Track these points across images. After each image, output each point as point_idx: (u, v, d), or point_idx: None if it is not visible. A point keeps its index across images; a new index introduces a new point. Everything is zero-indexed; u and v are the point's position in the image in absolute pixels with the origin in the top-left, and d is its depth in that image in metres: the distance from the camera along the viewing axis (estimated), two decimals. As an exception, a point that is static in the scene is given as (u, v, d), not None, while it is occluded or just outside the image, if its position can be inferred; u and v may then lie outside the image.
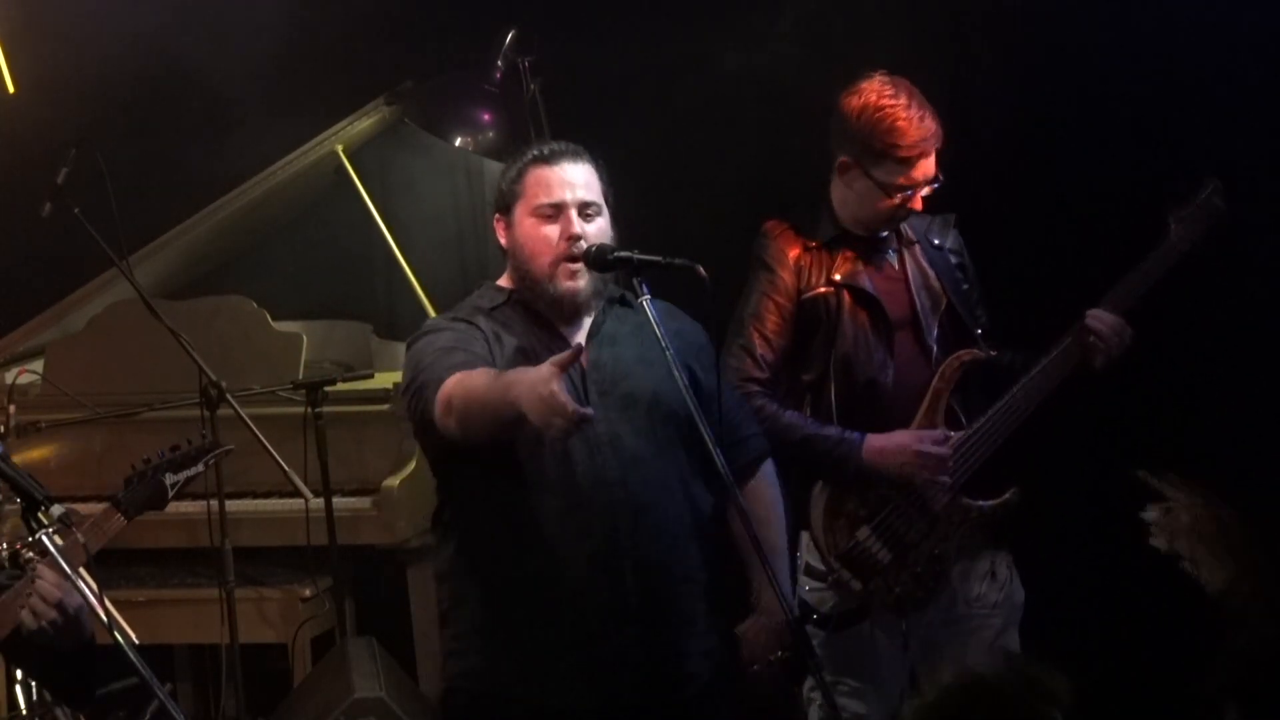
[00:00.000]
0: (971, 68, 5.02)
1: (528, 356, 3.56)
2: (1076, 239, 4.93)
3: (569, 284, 3.58)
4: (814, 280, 4.07)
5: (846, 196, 4.08)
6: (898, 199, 4.01)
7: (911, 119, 3.96)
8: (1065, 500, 4.74)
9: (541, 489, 3.52)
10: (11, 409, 5.13)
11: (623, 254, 3.53)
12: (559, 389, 3.18)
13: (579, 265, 3.57)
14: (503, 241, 3.68)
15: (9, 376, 5.47)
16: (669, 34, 5.36)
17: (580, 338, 3.64)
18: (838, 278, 4.06)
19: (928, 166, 4.01)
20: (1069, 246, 4.95)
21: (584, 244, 3.56)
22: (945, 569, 4.05)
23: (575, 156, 3.65)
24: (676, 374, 3.41)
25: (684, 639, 3.60)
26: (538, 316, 3.64)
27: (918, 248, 4.16)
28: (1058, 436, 4.15)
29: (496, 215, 3.68)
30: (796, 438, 4.00)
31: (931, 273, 4.14)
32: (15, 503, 3.32)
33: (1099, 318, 4.01)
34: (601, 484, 3.51)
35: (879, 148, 3.98)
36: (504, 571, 3.56)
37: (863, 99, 4.01)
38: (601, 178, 3.67)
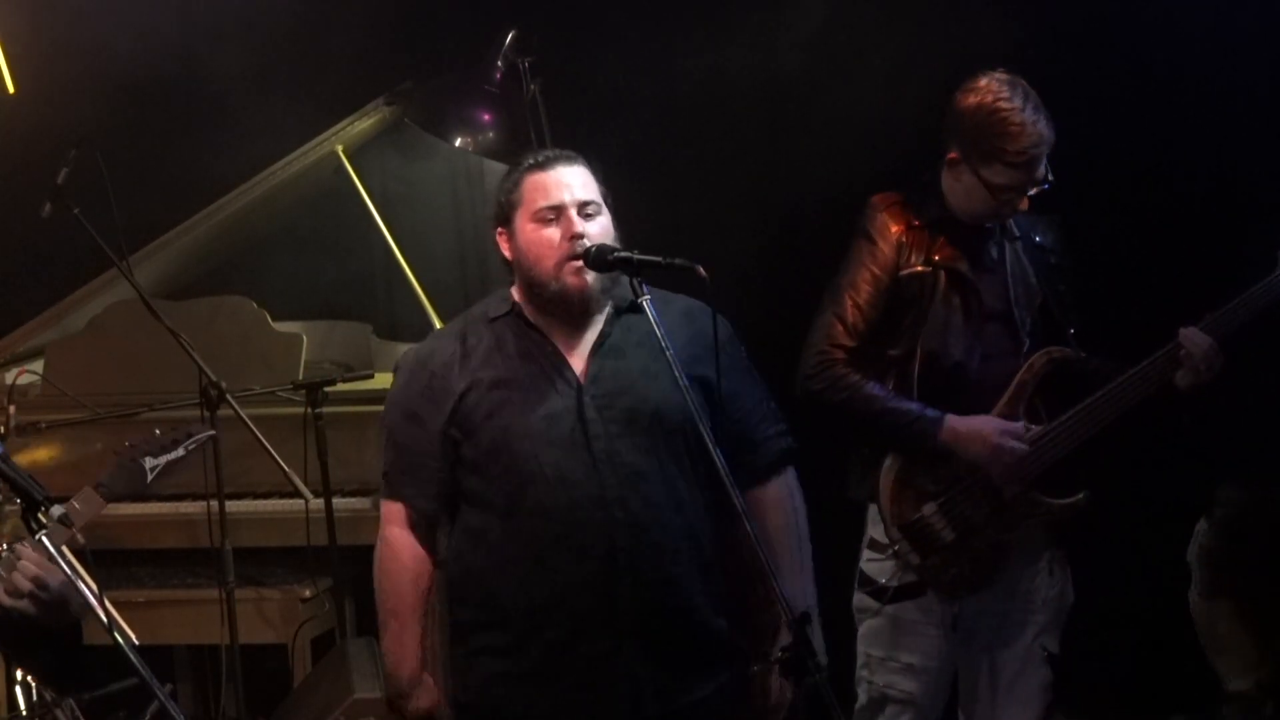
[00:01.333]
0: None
1: (507, 386, 3.59)
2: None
3: (574, 280, 3.57)
4: (913, 258, 4.06)
5: (954, 187, 4.07)
6: (1003, 199, 4.01)
7: (1025, 124, 3.93)
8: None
9: (538, 515, 3.54)
10: (11, 409, 5.13)
11: (622, 254, 3.53)
12: None
13: (583, 262, 3.56)
14: (506, 253, 3.67)
15: (9, 377, 5.47)
16: (668, 34, 5.37)
17: (580, 353, 3.64)
18: (937, 259, 4.06)
19: (1037, 171, 3.99)
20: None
21: (587, 242, 3.56)
22: (1005, 558, 4.06)
23: (570, 160, 3.66)
24: (677, 374, 3.40)
25: (687, 656, 3.60)
26: (534, 331, 3.64)
27: (1020, 243, 4.15)
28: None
29: (498, 229, 3.67)
30: (876, 409, 4.01)
31: (1030, 269, 4.13)
32: (15, 503, 3.31)
33: (1192, 337, 3.96)
34: (599, 504, 3.52)
35: (989, 149, 3.96)
36: (502, 599, 3.58)
37: (978, 98, 3.98)
38: (598, 179, 3.66)
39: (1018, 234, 4.14)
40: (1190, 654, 4.69)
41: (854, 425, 4.07)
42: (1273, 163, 4.86)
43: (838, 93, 5.09)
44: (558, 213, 3.59)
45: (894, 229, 4.07)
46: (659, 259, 3.49)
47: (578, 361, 3.63)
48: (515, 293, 3.70)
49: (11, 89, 5.53)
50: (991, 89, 3.98)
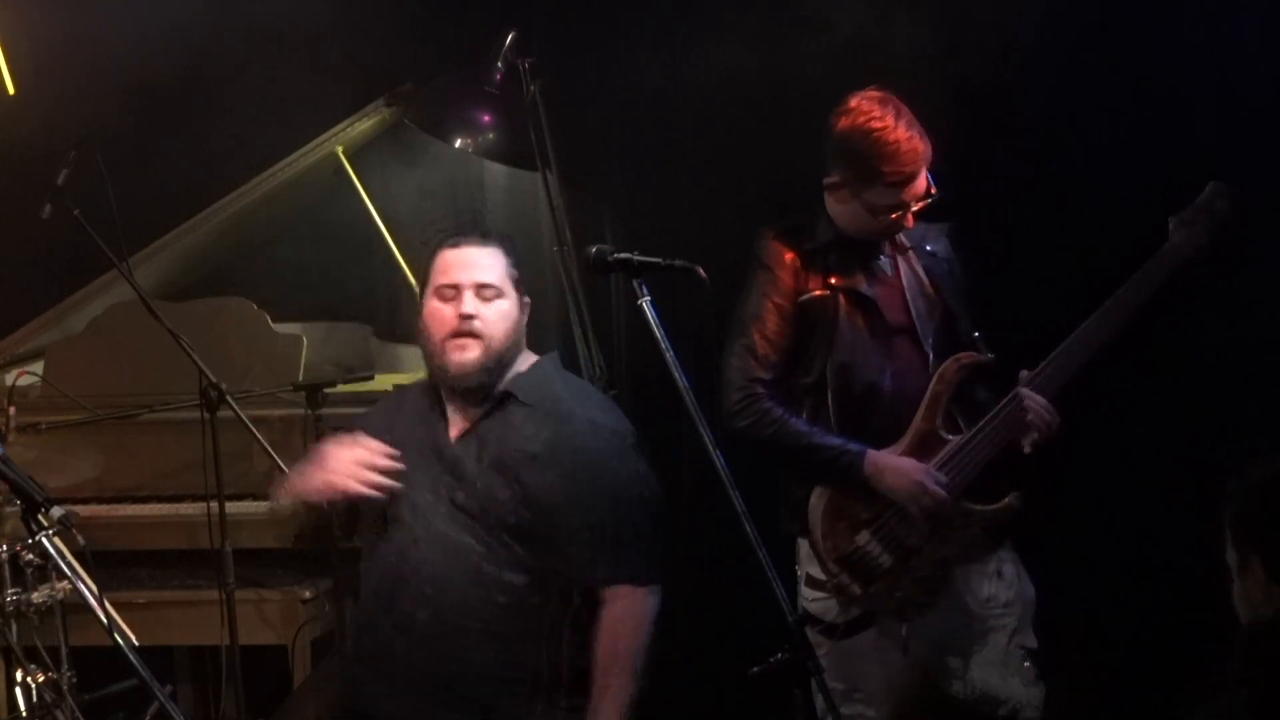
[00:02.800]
0: (973, 74, 5.02)
1: (398, 444, 3.88)
2: (1076, 244, 4.91)
3: (456, 356, 3.78)
4: (810, 282, 4.07)
5: (839, 210, 4.08)
6: (889, 219, 4.00)
7: (900, 141, 3.93)
8: (1069, 496, 4.74)
9: (371, 557, 3.92)
10: (12, 410, 5.12)
11: (623, 255, 3.54)
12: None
13: (467, 340, 3.77)
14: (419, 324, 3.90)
15: (9, 378, 5.47)
16: (669, 35, 5.36)
17: (461, 424, 3.88)
18: (834, 281, 4.06)
19: (918, 187, 3.99)
20: (1068, 251, 4.93)
21: (477, 323, 3.77)
22: (947, 573, 4.05)
23: (482, 241, 3.86)
24: (677, 375, 3.41)
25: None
26: (434, 393, 3.91)
27: (912, 254, 4.15)
28: (1064, 444, 4.14)
29: (420, 292, 3.91)
30: (802, 444, 3.99)
31: (927, 280, 4.14)
32: (15, 504, 3.31)
33: (1030, 396, 3.98)
34: (407, 562, 3.83)
35: (868, 172, 3.96)
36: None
37: (851, 120, 3.98)
38: (513, 263, 3.86)
39: (909, 245, 4.14)
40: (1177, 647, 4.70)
41: (781, 460, 4.06)
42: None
43: (840, 93, 5.08)
44: (456, 291, 3.79)
45: (788, 256, 4.08)
46: (659, 260, 3.49)
47: (453, 434, 3.89)
48: None
49: (11, 90, 5.53)
50: (863, 109, 3.98)
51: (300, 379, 5.19)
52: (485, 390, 3.85)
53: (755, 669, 3.72)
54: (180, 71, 5.71)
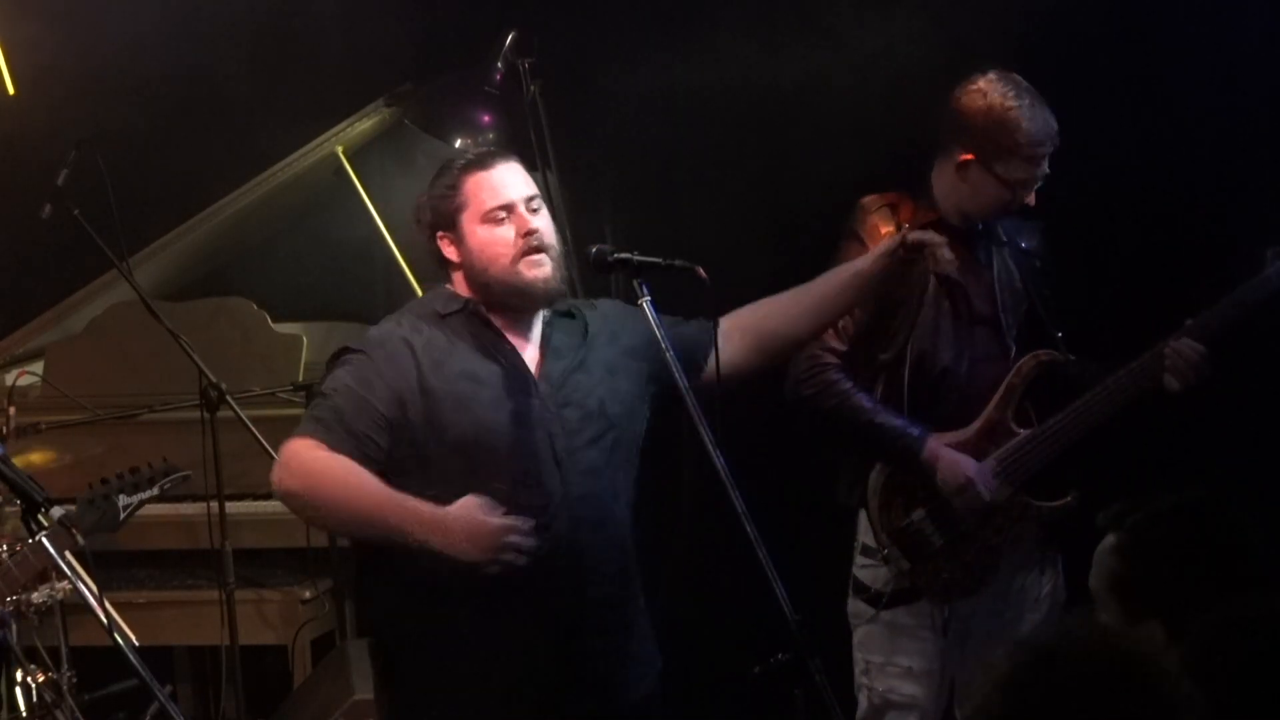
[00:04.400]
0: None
1: (474, 380, 3.55)
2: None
3: (535, 273, 3.58)
4: None
5: (957, 188, 4.09)
6: (1018, 194, 4.04)
7: (1036, 118, 4.00)
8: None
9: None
10: (11, 410, 5.12)
11: (623, 255, 3.53)
12: (505, 535, 3.38)
13: (538, 255, 3.58)
14: (451, 256, 3.64)
15: (9, 378, 5.47)
16: (669, 35, 5.36)
17: (530, 349, 3.63)
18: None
19: (1046, 162, 4.04)
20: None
21: (540, 236, 3.58)
22: (996, 561, 4.09)
23: (507, 157, 3.69)
24: (677, 375, 3.41)
25: (630, 650, 3.67)
26: (490, 330, 3.61)
27: (1007, 249, 4.17)
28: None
29: (438, 233, 3.64)
30: (863, 420, 4.04)
31: (1017, 274, 4.16)
32: (15, 504, 3.31)
33: (1181, 349, 3.98)
34: (565, 502, 3.54)
35: (1006, 145, 3.99)
36: (457, 608, 3.53)
37: (986, 100, 4.02)
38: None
39: (1005, 239, 4.16)
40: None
41: (840, 433, 4.10)
42: (1258, 163, 4.86)
43: (839, 92, 5.09)
44: (509, 211, 3.59)
45: (884, 231, 4.07)
46: (659, 260, 3.49)
47: (530, 362, 3.63)
48: (462, 290, 3.67)
49: (11, 90, 5.53)
50: (996, 89, 4.03)
51: (300, 379, 5.19)
52: (553, 300, 3.65)
53: (756, 669, 3.72)
54: (180, 71, 5.71)
